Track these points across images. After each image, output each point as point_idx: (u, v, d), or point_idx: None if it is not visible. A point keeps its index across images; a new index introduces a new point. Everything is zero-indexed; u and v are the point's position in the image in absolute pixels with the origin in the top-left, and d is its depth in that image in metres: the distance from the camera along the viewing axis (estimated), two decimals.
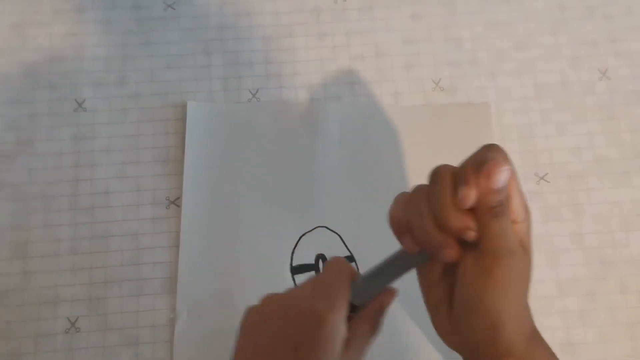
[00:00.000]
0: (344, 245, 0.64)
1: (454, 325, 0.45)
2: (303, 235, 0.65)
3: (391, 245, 0.63)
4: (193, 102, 0.68)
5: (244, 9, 0.72)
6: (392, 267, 0.46)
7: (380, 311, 0.47)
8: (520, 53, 0.72)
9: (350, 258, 0.64)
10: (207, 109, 0.68)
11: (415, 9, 0.73)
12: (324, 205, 0.65)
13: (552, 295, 0.63)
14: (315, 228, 0.65)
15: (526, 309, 0.44)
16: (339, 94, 0.70)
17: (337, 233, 0.65)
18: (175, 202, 0.65)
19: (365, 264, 0.63)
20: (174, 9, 0.72)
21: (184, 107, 0.68)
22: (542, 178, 0.67)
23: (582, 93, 0.70)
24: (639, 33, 0.72)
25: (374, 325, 0.46)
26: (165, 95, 0.69)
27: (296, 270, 0.63)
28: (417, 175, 0.66)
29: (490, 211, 0.42)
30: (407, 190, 0.46)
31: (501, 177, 0.41)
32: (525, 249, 0.43)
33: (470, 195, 0.41)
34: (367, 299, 0.46)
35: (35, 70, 0.69)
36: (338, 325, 0.43)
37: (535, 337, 0.44)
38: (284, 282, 0.63)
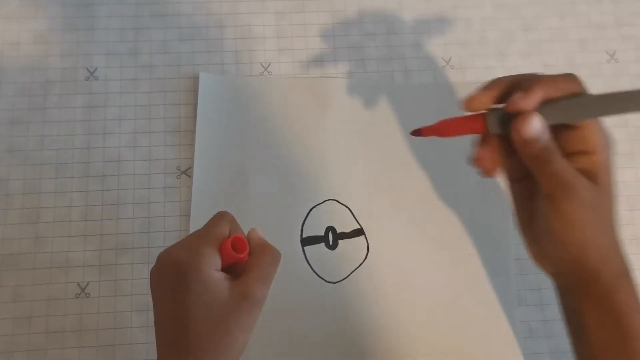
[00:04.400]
0: (353, 218, 0.65)
1: (540, 250, 0.47)
2: (313, 207, 0.65)
3: (400, 218, 0.65)
4: (205, 73, 0.68)
5: None
6: None
7: (263, 239, 0.50)
8: (528, 34, 0.73)
9: (360, 231, 0.65)
10: (220, 80, 0.68)
11: None
12: (334, 178, 0.66)
13: None
14: (325, 201, 0.65)
15: (612, 242, 0.46)
16: (350, 70, 0.70)
17: (346, 206, 0.65)
18: (187, 172, 0.66)
19: (375, 236, 0.64)
20: None
21: (195, 79, 0.68)
22: None
23: (589, 75, 0.71)
24: None
25: (267, 252, 0.49)
26: (177, 67, 0.69)
27: (306, 241, 0.64)
28: (425, 151, 0.67)
29: (534, 157, 0.44)
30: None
31: (529, 129, 0.43)
32: (596, 180, 0.44)
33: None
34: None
35: (47, 39, 0.69)
36: (203, 270, 0.45)
37: (624, 274, 0.46)
38: (294, 254, 0.63)
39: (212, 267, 0.46)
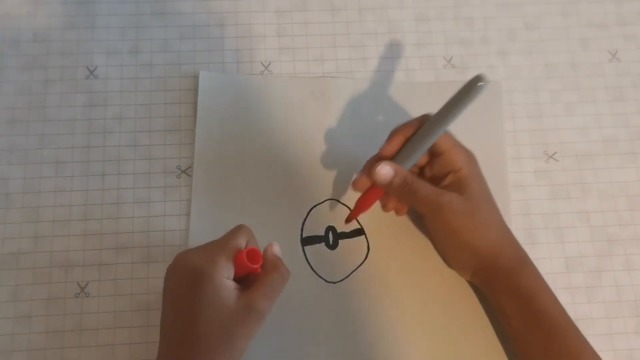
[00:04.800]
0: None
1: (449, 259, 0.61)
2: (313, 207, 0.65)
3: (400, 218, 0.64)
4: (206, 72, 0.68)
5: None
6: None
7: (277, 257, 0.54)
8: (530, 33, 0.73)
9: (360, 231, 0.64)
10: (220, 79, 0.68)
11: None
12: (335, 177, 0.66)
13: (559, 272, 0.64)
14: (325, 200, 0.65)
15: (500, 236, 0.57)
16: (350, 69, 0.70)
17: (347, 206, 0.65)
18: (187, 171, 0.65)
19: (375, 236, 0.64)
20: None
21: (196, 78, 0.68)
22: (551, 157, 0.68)
23: (591, 74, 0.71)
24: None
25: (277, 269, 0.53)
26: (178, 66, 0.69)
27: (306, 241, 0.64)
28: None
29: (400, 193, 0.57)
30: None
31: (380, 177, 0.56)
32: (464, 191, 0.56)
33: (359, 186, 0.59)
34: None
35: (47, 37, 0.69)
36: (216, 278, 0.49)
37: (522, 261, 0.57)
38: (294, 253, 0.63)
39: (224, 275, 0.50)
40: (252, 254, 0.52)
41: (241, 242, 0.53)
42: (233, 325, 0.49)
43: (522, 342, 0.56)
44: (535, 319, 0.54)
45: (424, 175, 0.60)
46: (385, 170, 0.55)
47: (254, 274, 0.52)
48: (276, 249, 0.55)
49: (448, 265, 0.62)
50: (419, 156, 0.57)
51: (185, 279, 0.50)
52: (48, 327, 0.60)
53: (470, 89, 0.52)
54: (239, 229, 0.54)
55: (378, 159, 0.58)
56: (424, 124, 0.56)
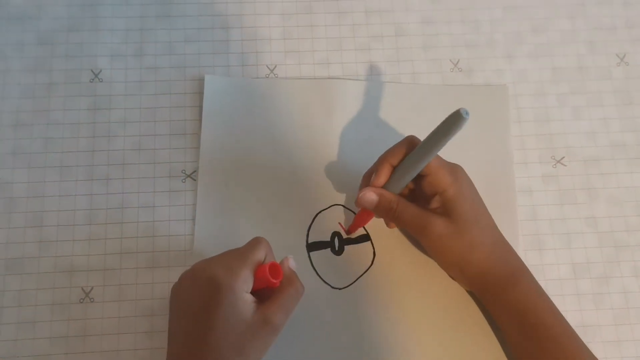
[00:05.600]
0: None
1: (449, 274, 0.62)
2: (319, 212, 0.64)
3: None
4: (211, 75, 0.68)
5: None
6: None
7: (293, 271, 0.55)
8: (537, 36, 0.72)
9: (366, 237, 0.64)
10: (225, 83, 0.68)
11: None
12: (341, 182, 0.65)
13: (567, 278, 0.64)
14: (331, 206, 0.65)
15: (488, 255, 0.57)
16: (356, 72, 0.70)
17: (353, 211, 0.65)
18: (192, 175, 0.65)
19: (381, 242, 0.64)
20: None
21: (201, 81, 0.68)
22: (558, 161, 0.67)
23: (599, 78, 0.70)
24: None
25: (293, 284, 0.54)
26: (182, 69, 0.69)
27: (311, 247, 0.63)
28: None
29: (387, 216, 0.59)
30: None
31: (364, 202, 0.58)
32: (450, 214, 0.56)
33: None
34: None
35: (51, 40, 0.69)
36: (236, 291, 0.49)
37: (513, 278, 0.57)
38: (300, 259, 0.62)
39: (244, 289, 0.50)
40: (274, 269, 0.52)
41: (261, 255, 0.53)
42: (248, 338, 0.49)
43: (518, 352, 0.56)
44: (529, 331, 0.55)
45: (415, 195, 0.61)
46: (368, 197, 0.57)
47: (270, 287, 0.53)
48: (292, 263, 0.55)
49: (451, 277, 0.63)
50: (406, 182, 0.57)
51: (205, 288, 0.50)
52: (52, 333, 0.60)
53: (454, 122, 0.51)
54: (259, 242, 0.54)
55: (369, 179, 0.60)
56: (411, 150, 0.57)
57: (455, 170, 0.58)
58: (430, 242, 0.57)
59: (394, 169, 0.58)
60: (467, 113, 0.49)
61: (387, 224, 0.62)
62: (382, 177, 0.58)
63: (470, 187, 0.59)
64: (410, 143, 0.57)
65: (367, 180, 0.61)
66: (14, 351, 0.59)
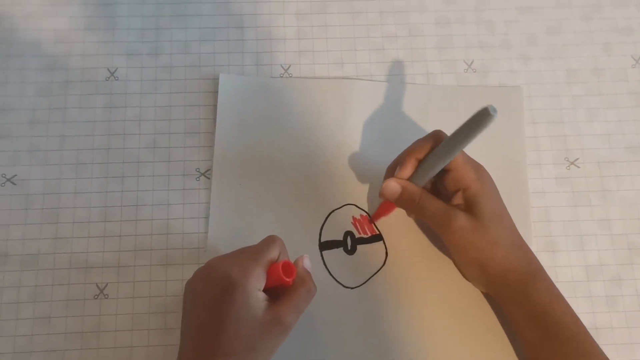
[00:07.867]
0: (372, 223, 0.64)
1: (464, 273, 0.62)
2: (332, 212, 0.65)
3: (419, 224, 0.64)
4: (225, 74, 0.68)
5: None
6: None
7: (307, 271, 0.55)
8: (552, 38, 0.72)
9: (378, 237, 0.64)
10: (239, 81, 0.68)
11: None
12: (354, 182, 0.65)
13: (579, 280, 0.63)
14: (344, 205, 0.65)
15: (507, 253, 0.56)
16: (370, 72, 0.70)
17: (365, 211, 0.65)
18: (206, 174, 0.65)
19: (393, 242, 0.64)
20: None
21: (216, 80, 0.68)
22: (572, 163, 0.67)
23: (614, 79, 0.70)
24: None
25: (306, 284, 0.54)
26: (197, 68, 0.69)
27: (324, 246, 0.64)
28: None
29: (409, 208, 0.59)
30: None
31: (387, 192, 0.58)
32: (472, 210, 0.56)
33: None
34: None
35: (68, 39, 0.69)
36: (249, 288, 0.50)
37: (532, 277, 0.56)
38: (312, 258, 0.62)
39: (257, 287, 0.50)
40: (288, 268, 0.53)
41: (275, 253, 0.53)
42: (259, 337, 0.50)
43: (535, 352, 0.56)
44: (547, 331, 0.55)
45: (437, 190, 0.60)
46: (391, 187, 0.58)
47: (283, 286, 0.53)
48: (307, 263, 0.56)
49: (465, 277, 0.62)
50: (431, 176, 0.57)
51: (218, 286, 0.50)
52: (67, 329, 0.60)
53: (481, 119, 0.51)
54: (273, 241, 0.54)
55: (394, 171, 0.59)
56: (437, 145, 0.56)
57: (479, 167, 0.58)
58: (452, 236, 0.57)
59: (419, 162, 0.58)
60: (494, 110, 0.49)
61: (408, 214, 0.63)
62: (407, 169, 0.58)
63: (493, 186, 0.58)
64: (436, 137, 0.57)
65: (391, 172, 0.60)
66: (29, 346, 0.60)
